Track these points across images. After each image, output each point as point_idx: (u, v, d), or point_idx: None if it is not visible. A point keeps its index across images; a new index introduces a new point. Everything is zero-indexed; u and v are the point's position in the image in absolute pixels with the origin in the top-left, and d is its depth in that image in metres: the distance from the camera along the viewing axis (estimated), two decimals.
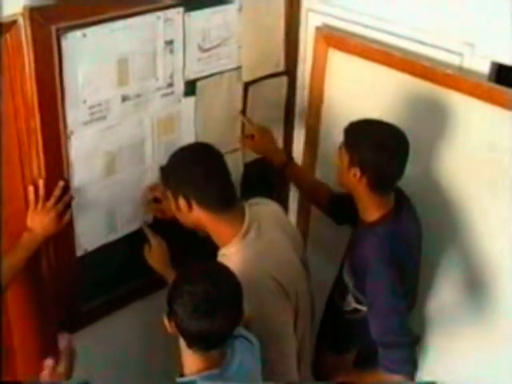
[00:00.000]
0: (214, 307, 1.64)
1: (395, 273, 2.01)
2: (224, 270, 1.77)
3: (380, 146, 1.98)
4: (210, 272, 1.73)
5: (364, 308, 2.13)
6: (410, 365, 2.03)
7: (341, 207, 2.30)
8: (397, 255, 2.03)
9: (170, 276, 2.15)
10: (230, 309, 1.68)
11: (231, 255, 1.98)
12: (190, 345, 1.70)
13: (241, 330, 1.82)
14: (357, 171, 2.01)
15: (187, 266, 1.83)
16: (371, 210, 2.07)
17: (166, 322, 1.72)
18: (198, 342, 1.69)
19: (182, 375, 1.76)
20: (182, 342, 1.72)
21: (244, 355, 1.79)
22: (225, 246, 2.02)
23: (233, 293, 1.70)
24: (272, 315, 1.95)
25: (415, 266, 2.19)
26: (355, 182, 2.03)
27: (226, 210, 2.00)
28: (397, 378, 2.02)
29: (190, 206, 1.98)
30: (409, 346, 2.03)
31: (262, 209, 2.13)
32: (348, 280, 2.16)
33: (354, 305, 2.17)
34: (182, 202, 1.99)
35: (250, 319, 1.89)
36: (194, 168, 1.98)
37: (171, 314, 1.69)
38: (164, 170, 2.09)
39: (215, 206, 1.98)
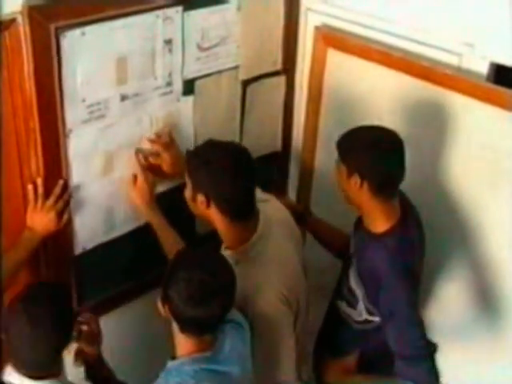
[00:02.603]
0: (210, 295, 1.67)
1: (409, 283, 1.98)
2: (220, 258, 1.81)
3: (372, 147, 1.96)
4: (206, 260, 1.75)
5: (376, 319, 2.10)
6: (434, 376, 2.00)
7: None
8: (408, 265, 2.00)
9: (152, 217, 2.17)
10: (225, 297, 1.72)
11: (235, 262, 1.95)
12: (182, 329, 1.73)
13: (231, 314, 1.82)
14: (356, 178, 1.96)
15: (183, 251, 1.86)
16: (379, 220, 2.02)
17: (159, 305, 1.74)
18: (192, 327, 1.72)
19: (173, 358, 1.78)
20: (175, 326, 1.74)
21: (235, 339, 1.82)
22: (230, 250, 2.00)
23: (228, 281, 1.73)
24: (274, 325, 1.94)
25: (420, 281, 2.16)
26: (357, 191, 1.98)
27: (242, 220, 1.97)
28: None
29: (208, 205, 1.94)
30: (430, 356, 2.00)
31: (272, 212, 2.09)
32: (357, 290, 2.12)
33: (366, 316, 2.14)
34: (201, 198, 1.93)
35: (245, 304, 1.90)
36: (226, 174, 1.91)
37: (166, 299, 1.71)
38: (193, 158, 1.99)
39: (234, 214, 1.95)
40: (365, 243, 2.08)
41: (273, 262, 2.00)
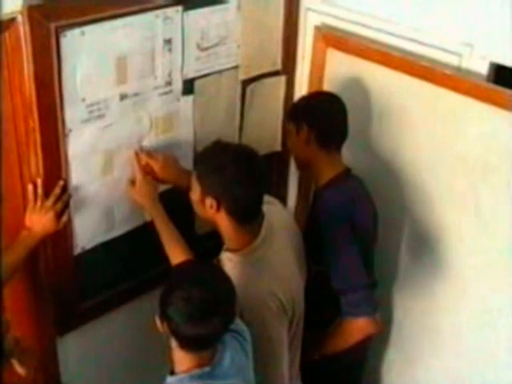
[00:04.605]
0: (211, 313, 1.63)
1: (345, 223, 2.12)
2: (218, 272, 1.76)
3: (318, 103, 2.23)
4: (204, 276, 1.71)
5: (323, 268, 2.18)
6: (369, 305, 2.12)
7: None
8: (346, 210, 2.14)
9: (153, 215, 2.15)
10: (226, 312, 1.67)
11: (236, 264, 1.95)
12: (182, 346, 1.69)
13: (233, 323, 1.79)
14: (304, 129, 2.15)
15: (180, 267, 1.82)
16: (325, 170, 2.20)
17: (157, 322, 1.71)
18: (192, 343, 1.68)
19: (172, 372, 1.75)
20: (174, 342, 1.71)
21: (235, 351, 1.79)
22: (232, 252, 1.98)
23: (228, 296, 1.69)
24: (269, 331, 1.93)
25: (370, 239, 2.27)
26: (305, 145, 2.17)
27: (249, 223, 1.97)
28: (361, 321, 2.12)
29: (218, 210, 1.91)
30: (364, 287, 2.12)
31: (274, 215, 2.08)
32: (305, 244, 2.21)
33: (315, 267, 2.21)
34: (210, 201, 1.90)
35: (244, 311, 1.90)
36: (240, 180, 1.88)
37: (164, 317, 1.67)
38: (203, 162, 1.96)
39: (243, 218, 1.94)
40: (313, 199, 2.25)
41: (271, 267, 1.99)
